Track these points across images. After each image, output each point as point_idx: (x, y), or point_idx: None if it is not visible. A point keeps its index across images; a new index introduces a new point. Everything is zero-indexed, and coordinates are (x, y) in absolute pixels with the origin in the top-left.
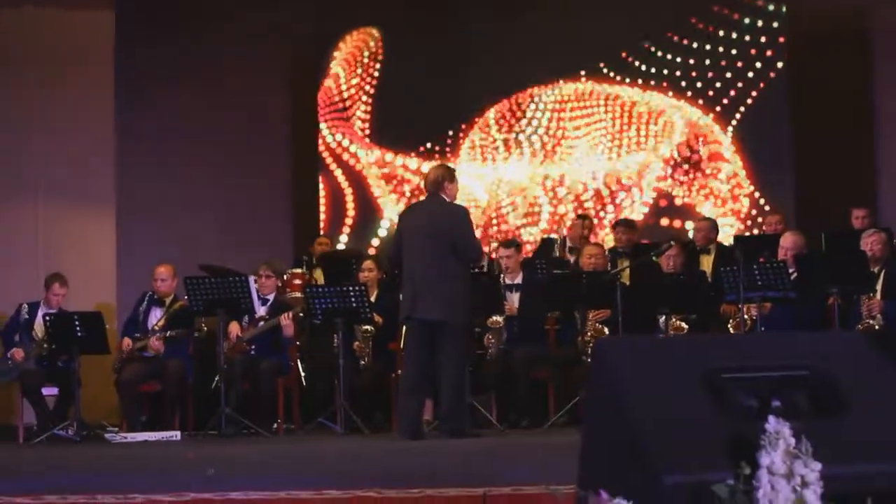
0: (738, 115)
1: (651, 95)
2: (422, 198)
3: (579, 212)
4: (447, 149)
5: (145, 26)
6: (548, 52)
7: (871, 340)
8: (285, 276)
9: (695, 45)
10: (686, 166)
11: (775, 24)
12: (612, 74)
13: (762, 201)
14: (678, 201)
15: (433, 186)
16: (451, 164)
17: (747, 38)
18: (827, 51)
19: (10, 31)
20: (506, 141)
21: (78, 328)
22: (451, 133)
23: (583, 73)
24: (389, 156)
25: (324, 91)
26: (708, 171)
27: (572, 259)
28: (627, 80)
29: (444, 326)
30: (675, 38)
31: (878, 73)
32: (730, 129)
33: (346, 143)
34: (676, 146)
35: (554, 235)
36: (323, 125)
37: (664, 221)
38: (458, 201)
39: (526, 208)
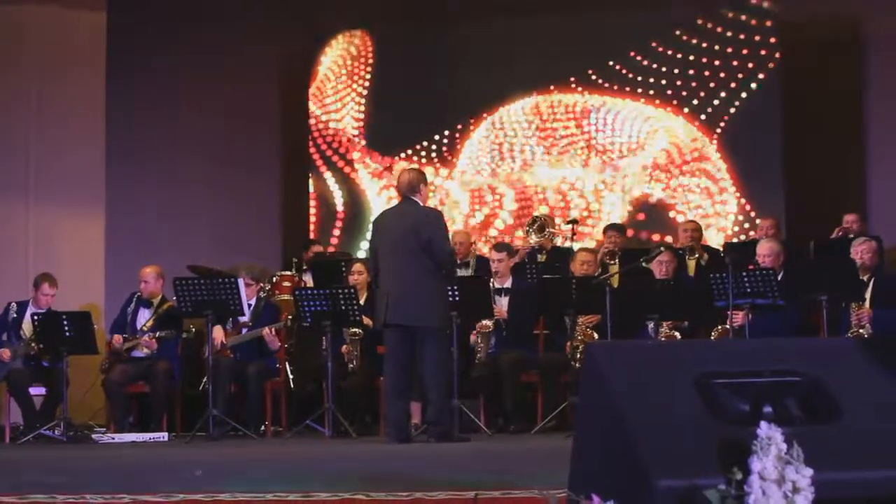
0: (725, 122)
1: (637, 104)
2: (394, 203)
3: (534, 214)
4: (444, 150)
5: (137, 28)
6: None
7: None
8: (274, 279)
9: (686, 49)
10: (669, 174)
11: (768, 33)
12: (600, 81)
13: (748, 207)
14: (659, 210)
15: (407, 190)
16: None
17: (742, 43)
18: (819, 58)
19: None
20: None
21: (66, 328)
22: (445, 135)
23: (572, 79)
24: (381, 157)
25: (315, 93)
26: (692, 180)
27: (543, 259)
28: (615, 88)
29: (425, 330)
30: (681, 34)
31: (869, 80)
32: (715, 136)
33: (336, 145)
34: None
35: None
36: (313, 126)
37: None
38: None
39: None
